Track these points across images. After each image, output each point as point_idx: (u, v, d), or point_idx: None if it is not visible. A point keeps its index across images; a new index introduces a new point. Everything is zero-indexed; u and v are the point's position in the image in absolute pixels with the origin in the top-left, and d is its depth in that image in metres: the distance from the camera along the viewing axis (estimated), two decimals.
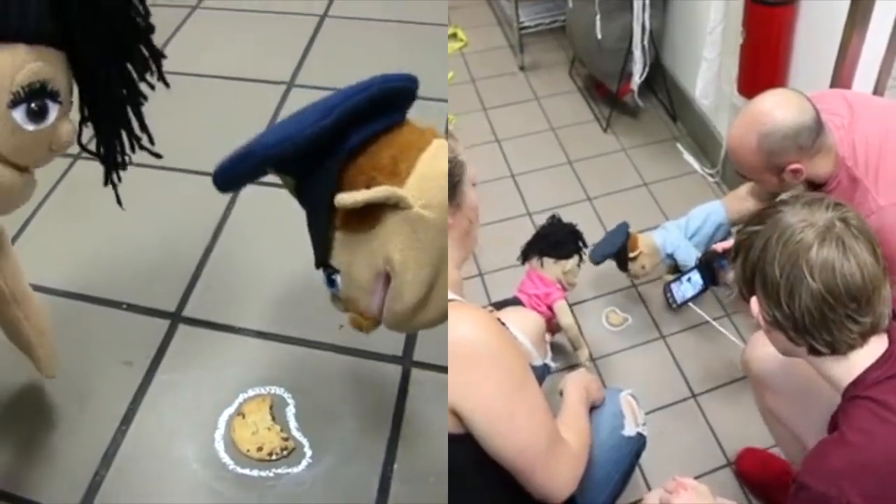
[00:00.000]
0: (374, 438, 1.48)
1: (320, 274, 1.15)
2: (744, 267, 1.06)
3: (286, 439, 1.48)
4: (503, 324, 1.20)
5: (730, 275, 1.49)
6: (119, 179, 1.23)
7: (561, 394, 1.31)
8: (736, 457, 1.69)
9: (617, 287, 2.14)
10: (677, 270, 1.92)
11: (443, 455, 1.08)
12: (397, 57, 2.45)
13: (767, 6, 1.88)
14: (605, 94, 2.84)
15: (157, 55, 1.12)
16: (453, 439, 1.06)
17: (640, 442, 1.37)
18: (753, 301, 1.06)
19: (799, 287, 0.98)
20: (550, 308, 1.78)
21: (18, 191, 1.04)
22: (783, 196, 1.33)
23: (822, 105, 1.45)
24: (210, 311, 1.73)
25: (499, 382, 1.05)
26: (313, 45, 2.62)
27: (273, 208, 1.76)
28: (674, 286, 1.87)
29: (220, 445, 1.47)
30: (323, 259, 1.11)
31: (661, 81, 2.72)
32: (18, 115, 0.94)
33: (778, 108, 1.43)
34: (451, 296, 1.09)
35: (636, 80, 2.60)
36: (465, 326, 1.04)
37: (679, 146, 2.64)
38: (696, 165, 2.54)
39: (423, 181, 1.04)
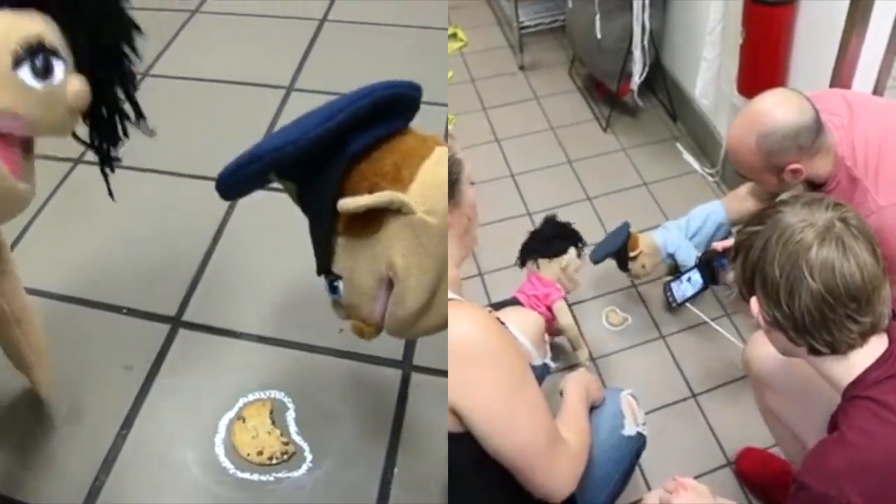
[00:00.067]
0: (374, 443, 1.48)
1: (320, 278, 1.14)
2: (744, 267, 1.06)
3: (286, 443, 1.48)
4: (502, 323, 1.20)
5: (730, 274, 1.49)
6: (112, 170, 1.22)
7: (561, 393, 1.31)
8: (736, 457, 1.70)
9: (617, 287, 2.14)
10: (677, 270, 1.93)
11: (443, 460, 1.08)
12: (397, 61, 2.45)
13: (767, 6, 1.88)
14: (605, 93, 2.84)
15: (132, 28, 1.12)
16: (453, 438, 1.06)
17: (639, 442, 1.37)
18: (753, 301, 1.06)
19: (799, 287, 0.98)
20: (550, 309, 1.78)
21: (20, 197, 1.04)
22: (783, 196, 1.33)
23: (821, 105, 1.45)
24: (210, 316, 1.73)
25: (498, 381, 1.05)
26: (313, 48, 2.62)
27: (273, 213, 1.76)
28: (674, 285, 1.88)
29: (220, 450, 1.47)
30: (325, 265, 1.11)
31: (660, 81, 2.72)
32: (24, 74, 0.94)
33: (778, 108, 1.43)
34: (450, 295, 1.09)
35: (636, 79, 2.60)
36: (465, 325, 1.04)
37: (679, 146, 2.64)
38: (695, 165, 2.54)
39: (426, 188, 1.04)
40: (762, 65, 1.99)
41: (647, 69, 2.59)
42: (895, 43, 1.76)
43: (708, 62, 2.28)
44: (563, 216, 1.90)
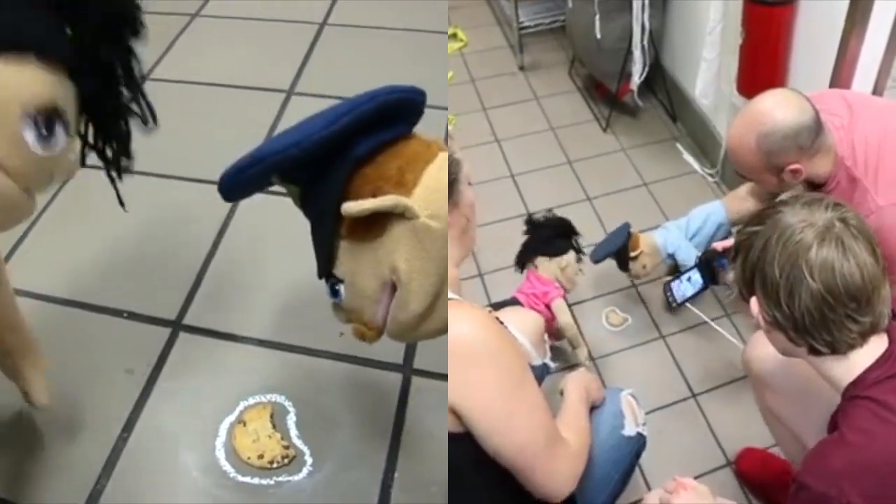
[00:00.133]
0: (375, 446, 1.48)
1: (321, 282, 1.14)
2: (743, 267, 1.06)
3: (287, 447, 1.48)
4: (501, 323, 1.20)
5: (729, 274, 1.49)
6: (121, 178, 1.23)
7: (561, 393, 1.31)
8: (736, 457, 1.70)
9: (617, 287, 2.14)
10: (677, 270, 1.93)
11: (443, 463, 1.08)
12: (397, 64, 2.44)
13: (767, 6, 1.88)
14: (605, 94, 2.84)
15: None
16: (453, 438, 1.06)
17: (639, 442, 1.37)
18: (753, 301, 1.06)
19: (799, 287, 0.98)
20: (549, 307, 1.78)
21: (20, 207, 1.04)
22: (783, 196, 1.33)
23: (821, 105, 1.45)
24: (211, 320, 1.73)
25: (497, 381, 1.05)
26: (313, 52, 2.62)
27: (273, 216, 1.76)
28: (674, 285, 1.88)
29: (220, 453, 1.47)
30: (327, 268, 1.11)
31: (660, 81, 2.72)
32: (28, 135, 0.95)
33: (777, 109, 1.43)
34: (449, 295, 1.09)
35: (636, 80, 2.60)
36: (464, 325, 1.04)
37: (679, 146, 2.64)
38: (695, 165, 2.54)
39: (430, 192, 1.04)
40: (762, 65, 1.99)
41: (646, 69, 2.59)
42: (894, 43, 1.76)
43: (708, 62, 2.28)
44: (563, 217, 1.89)
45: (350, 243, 1.07)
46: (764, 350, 1.25)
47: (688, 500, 1.14)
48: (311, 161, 1.04)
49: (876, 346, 1.02)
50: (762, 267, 1.02)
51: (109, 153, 1.18)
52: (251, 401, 1.56)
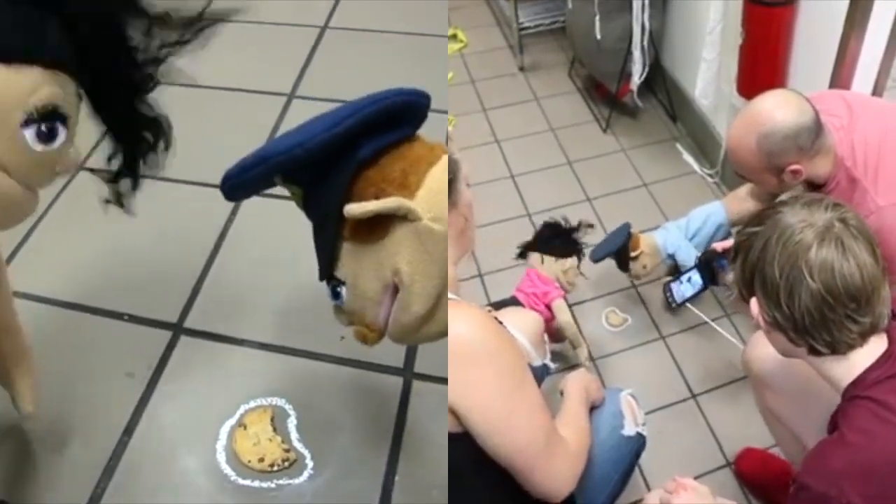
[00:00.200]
0: (376, 450, 1.47)
1: (322, 285, 1.14)
2: (743, 268, 1.06)
3: (287, 450, 1.47)
4: (501, 323, 1.20)
5: (729, 275, 1.49)
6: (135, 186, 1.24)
7: (561, 394, 1.32)
8: (735, 457, 1.70)
9: (617, 288, 2.14)
10: (677, 271, 1.93)
11: (444, 467, 1.08)
12: (398, 68, 2.43)
13: (766, 6, 1.88)
14: (605, 94, 2.84)
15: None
16: (452, 438, 1.06)
17: (639, 442, 1.37)
18: (753, 302, 1.06)
19: (798, 287, 0.98)
20: (549, 307, 1.78)
21: (23, 204, 1.04)
22: (782, 197, 1.33)
23: (820, 106, 1.45)
24: (211, 323, 1.73)
25: (496, 381, 1.05)
26: (314, 56, 2.61)
27: (275, 220, 1.76)
28: (673, 286, 1.88)
29: (221, 456, 1.47)
30: (328, 270, 1.11)
31: (660, 82, 2.73)
32: (29, 135, 0.95)
33: (777, 109, 1.43)
34: (448, 294, 1.09)
35: (635, 80, 2.60)
36: (462, 325, 1.04)
37: (678, 146, 2.64)
38: (695, 166, 2.55)
39: (433, 195, 1.04)
40: (762, 65, 1.99)
41: (646, 70, 2.59)
42: (894, 44, 1.76)
43: (707, 63, 2.28)
44: (563, 217, 1.90)
45: (352, 245, 1.07)
46: (764, 350, 1.25)
47: (688, 501, 1.14)
48: (314, 162, 1.04)
49: (876, 347, 1.02)
50: (762, 267, 1.02)
51: (122, 160, 1.18)
52: (252, 404, 1.55)
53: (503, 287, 2.00)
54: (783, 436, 1.41)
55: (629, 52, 2.53)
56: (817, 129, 1.42)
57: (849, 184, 1.44)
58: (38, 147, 0.96)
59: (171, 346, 1.67)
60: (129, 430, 1.51)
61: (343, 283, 1.10)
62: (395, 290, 1.08)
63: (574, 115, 2.87)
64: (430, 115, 1.16)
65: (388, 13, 2.79)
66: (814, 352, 1.03)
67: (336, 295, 1.12)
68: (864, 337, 1.01)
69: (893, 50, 1.77)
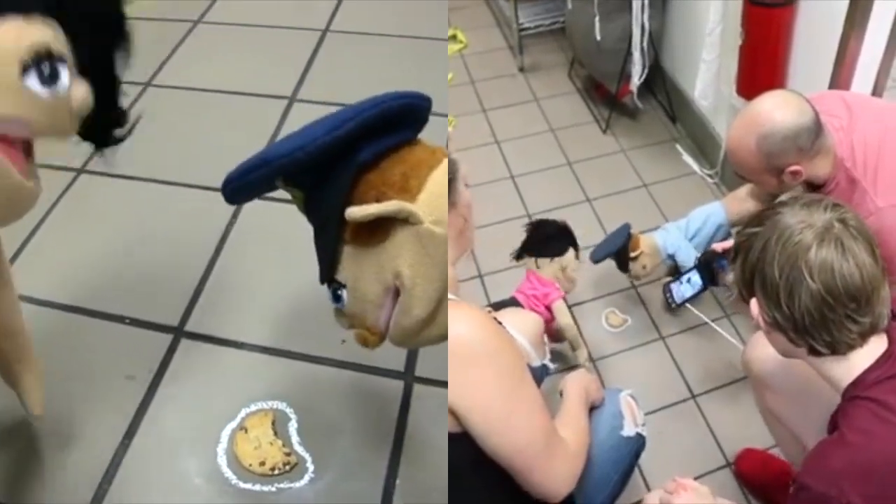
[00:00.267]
0: (377, 454, 1.47)
1: (323, 289, 1.14)
2: (743, 268, 1.06)
3: (288, 454, 1.47)
4: (500, 324, 1.20)
5: (729, 275, 1.49)
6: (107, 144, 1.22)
7: (561, 394, 1.32)
8: (735, 457, 1.70)
9: (616, 288, 2.14)
10: (677, 271, 1.93)
11: (445, 470, 1.08)
12: (399, 71, 2.43)
13: (766, 7, 1.88)
14: (605, 95, 2.84)
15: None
16: (451, 438, 1.06)
17: (639, 442, 1.37)
18: (753, 303, 1.06)
19: (798, 288, 0.98)
20: (549, 308, 1.78)
21: (23, 193, 1.04)
22: (782, 197, 1.33)
23: (820, 106, 1.45)
24: (212, 326, 1.73)
25: (496, 381, 1.05)
26: (315, 59, 2.62)
27: (275, 223, 1.76)
28: (673, 286, 1.88)
29: (222, 460, 1.47)
30: (329, 274, 1.11)
31: (660, 83, 2.73)
32: (32, 82, 0.95)
33: (777, 110, 1.43)
34: (448, 295, 1.10)
35: (635, 81, 2.61)
36: (462, 325, 1.04)
37: (678, 147, 2.64)
38: (695, 167, 2.55)
39: (434, 198, 1.04)
40: (761, 66, 1.99)
41: (646, 71, 2.59)
42: (894, 44, 1.76)
43: (707, 63, 2.28)
44: (562, 217, 1.89)
45: (353, 248, 1.07)
46: (764, 351, 1.25)
47: (688, 501, 1.14)
48: (315, 165, 1.05)
49: (876, 347, 1.02)
50: (762, 268, 1.02)
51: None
52: (253, 407, 1.55)
53: (503, 288, 2.00)
54: (783, 436, 1.41)
55: (629, 53, 2.53)
56: (817, 129, 1.42)
57: (848, 184, 1.44)
58: (46, 92, 0.96)
59: (172, 350, 1.68)
60: (129, 434, 1.51)
61: (344, 287, 1.10)
62: (396, 293, 1.08)
63: (574, 116, 2.87)
64: (430, 118, 1.16)
65: (389, 16, 2.79)
66: (814, 352, 1.03)
67: (337, 298, 1.12)
68: (863, 337, 1.01)
69: (893, 50, 1.78)
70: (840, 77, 1.78)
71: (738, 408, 1.77)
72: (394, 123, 1.08)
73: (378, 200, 1.03)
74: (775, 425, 1.41)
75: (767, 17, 1.90)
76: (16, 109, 0.95)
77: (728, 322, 2.02)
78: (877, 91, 1.84)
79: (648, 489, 1.62)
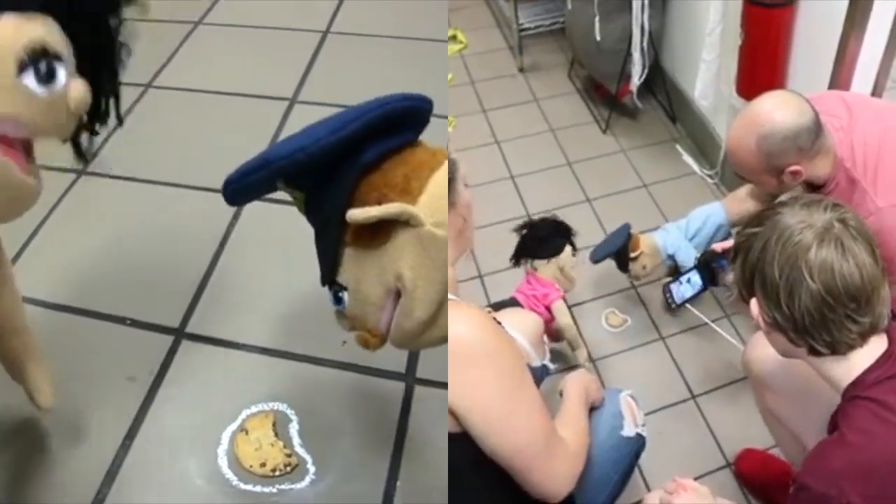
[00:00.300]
0: (378, 455, 1.47)
1: (323, 290, 1.14)
2: (743, 268, 1.06)
3: (289, 455, 1.47)
4: (500, 324, 1.20)
5: (729, 275, 1.49)
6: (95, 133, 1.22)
7: (560, 394, 1.32)
8: (735, 458, 1.70)
9: (616, 288, 2.14)
10: (677, 272, 1.93)
11: (446, 471, 1.07)
12: (399, 73, 2.44)
13: (766, 7, 1.88)
14: (605, 95, 2.84)
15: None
16: (451, 438, 1.06)
17: (639, 442, 1.37)
18: (753, 303, 1.06)
19: (798, 288, 0.98)
20: (549, 309, 1.78)
21: (24, 190, 1.04)
22: (782, 198, 1.33)
23: (820, 107, 1.45)
24: (213, 327, 1.73)
25: (496, 381, 1.05)
26: (316, 61, 2.62)
27: (276, 224, 1.76)
28: (673, 286, 1.88)
29: (223, 461, 1.47)
30: (330, 276, 1.11)
31: (660, 83, 2.73)
32: (29, 81, 0.95)
33: (777, 110, 1.43)
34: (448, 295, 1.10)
35: (635, 81, 2.61)
36: (461, 325, 1.04)
37: (678, 147, 2.64)
38: (695, 167, 2.55)
39: (435, 200, 1.04)
40: (761, 66, 1.99)
41: (646, 71, 2.60)
42: (893, 44, 1.76)
43: (707, 64, 2.28)
44: (562, 218, 1.90)
45: (354, 250, 1.07)
46: (764, 351, 1.25)
47: (688, 501, 1.14)
48: (316, 167, 1.05)
49: (876, 347, 1.02)
50: (762, 268, 1.02)
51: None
52: (254, 409, 1.55)
53: (503, 288, 2.00)
54: (783, 436, 1.41)
55: (629, 53, 2.53)
56: (817, 129, 1.42)
57: (848, 185, 1.44)
58: (42, 91, 0.96)
59: (172, 351, 1.68)
60: (130, 435, 1.51)
61: (345, 289, 1.10)
62: (398, 295, 1.08)
63: (574, 116, 2.87)
64: (430, 119, 1.16)
65: (390, 18, 2.80)
66: (814, 352, 1.03)
67: (338, 300, 1.12)
68: (863, 337, 1.01)
69: (893, 50, 1.78)
70: (840, 77, 1.78)
71: (738, 408, 1.77)
72: (395, 125, 1.08)
73: (379, 202, 1.03)
74: (775, 425, 1.41)
75: (767, 17, 1.90)
76: (12, 108, 0.95)
77: (728, 322, 2.02)
78: (877, 91, 1.84)
79: (648, 489, 1.62)
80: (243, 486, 1.43)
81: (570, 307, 1.89)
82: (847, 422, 1.00)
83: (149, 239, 1.94)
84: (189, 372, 1.64)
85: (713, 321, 1.99)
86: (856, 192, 1.42)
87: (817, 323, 0.99)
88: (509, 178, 2.59)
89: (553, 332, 1.81)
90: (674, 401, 1.85)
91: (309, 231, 1.15)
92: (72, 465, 1.47)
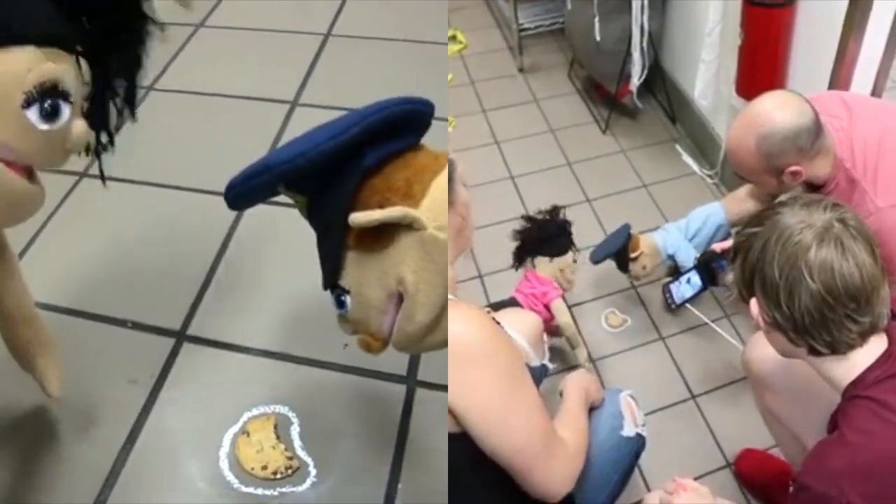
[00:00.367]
0: (379, 458, 1.47)
1: (325, 292, 1.14)
2: (743, 268, 1.06)
3: (291, 458, 1.47)
4: (499, 324, 1.20)
5: (728, 275, 1.49)
6: (105, 149, 1.23)
7: (560, 394, 1.32)
8: (735, 458, 1.70)
9: (616, 288, 2.14)
10: (677, 272, 1.93)
11: (447, 474, 1.07)
12: (400, 76, 2.44)
13: (765, 7, 1.88)
14: (604, 95, 2.84)
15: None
16: (451, 438, 1.06)
17: (639, 443, 1.37)
18: (753, 303, 1.06)
19: (798, 288, 0.98)
20: (548, 308, 1.78)
21: (28, 198, 1.04)
22: (782, 198, 1.33)
23: (820, 107, 1.45)
24: (214, 330, 1.73)
25: (495, 381, 1.05)
26: (317, 63, 2.62)
27: (277, 227, 1.77)
28: (673, 287, 1.88)
29: (224, 464, 1.47)
30: (333, 279, 1.11)
31: (659, 83, 2.73)
32: (32, 115, 0.95)
33: (777, 110, 1.43)
34: None
35: (635, 81, 2.61)
36: (460, 325, 1.04)
37: (678, 147, 2.64)
38: (694, 167, 2.55)
39: (437, 204, 1.04)
40: (761, 66, 1.99)
41: (646, 71, 2.60)
42: (893, 44, 1.76)
43: (707, 64, 2.28)
44: (562, 218, 1.90)
45: (357, 254, 1.07)
46: (763, 351, 1.25)
47: (688, 501, 1.14)
48: (318, 171, 1.05)
49: (876, 346, 1.02)
50: (761, 268, 1.02)
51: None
52: (255, 411, 1.55)
53: (503, 288, 2.00)
54: (783, 436, 1.41)
55: (628, 54, 2.54)
56: (817, 130, 1.42)
57: (848, 185, 1.44)
58: (44, 126, 0.97)
59: (174, 354, 1.68)
60: (132, 438, 1.51)
61: (347, 292, 1.10)
62: (400, 299, 1.08)
63: (573, 117, 2.87)
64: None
65: (390, 20, 2.80)
66: (814, 352, 1.03)
67: (340, 304, 1.12)
68: (863, 337, 1.01)
69: (892, 51, 1.78)
70: (839, 77, 1.78)
71: (738, 408, 1.77)
72: (398, 129, 1.08)
73: (382, 206, 1.03)
74: (775, 425, 1.41)
75: (767, 18, 1.90)
76: (9, 137, 0.95)
77: (728, 322, 2.02)
78: (876, 91, 1.84)
79: (648, 489, 1.62)
80: (244, 489, 1.43)
81: (570, 307, 1.89)
82: (847, 421, 1.00)
83: (150, 241, 1.94)
84: (190, 374, 1.64)
85: (713, 321, 1.99)
86: (856, 192, 1.42)
87: (817, 323, 0.99)
88: (509, 178, 2.59)
89: (552, 330, 1.81)
90: (674, 401, 1.85)
91: (310, 233, 1.15)
92: (73, 468, 1.47)
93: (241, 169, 1.11)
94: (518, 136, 2.79)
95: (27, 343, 1.39)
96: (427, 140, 1.15)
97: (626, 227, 1.93)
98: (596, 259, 1.93)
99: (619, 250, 1.90)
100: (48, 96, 0.96)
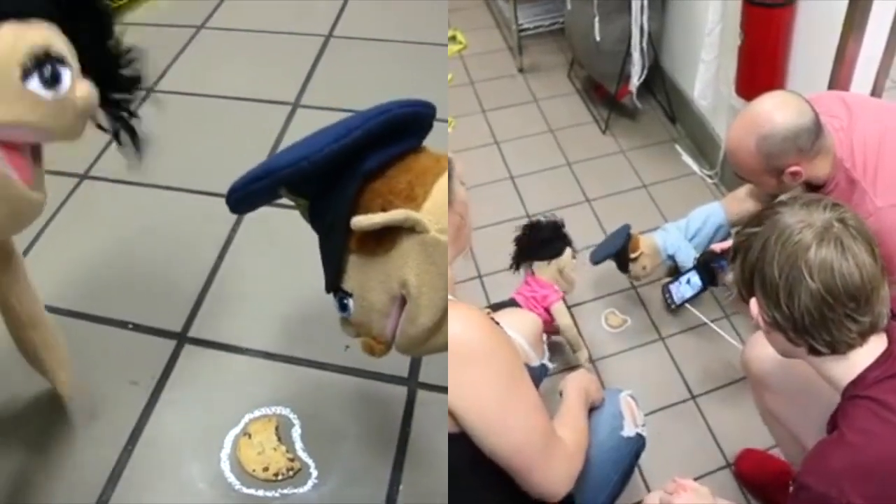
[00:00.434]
0: (380, 460, 1.47)
1: (326, 295, 1.14)
2: (743, 268, 1.06)
3: (292, 460, 1.47)
4: (498, 324, 1.20)
5: (728, 275, 1.49)
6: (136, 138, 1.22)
7: (560, 394, 1.32)
8: (735, 458, 1.70)
9: (616, 289, 2.14)
10: (677, 272, 1.93)
11: (447, 476, 1.08)
12: (400, 77, 2.44)
13: (765, 8, 1.88)
14: (604, 95, 2.84)
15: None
16: (450, 438, 1.06)
17: (639, 443, 1.37)
18: (753, 302, 1.06)
19: (798, 287, 0.98)
20: (548, 311, 1.78)
21: (26, 205, 1.04)
22: (782, 197, 1.33)
23: (820, 107, 1.45)
24: (216, 332, 1.73)
25: (494, 381, 1.05)
26: (318, 65, 2.62)
27: (278, 229, 1.76)
28: (672, 287, 1.88)
29: (225, 465, 1.47)
30: (335, 283, 1.11)
31: (659, 83, 2.73)
32: (35, 85, 0.95)
33: (777, 111, 1.43)
34: None
35: (635, 81, 2.61)
36: (459, 325, 1.04)
37: (678, 148, 2.64)
38: (694, 167, 2.55)
39: (439, 206, 1.04)
40: (760, 66, 1.99)
41: (645, 71, 2.60)
42: (893, 44, 1.76)
43: (706, 64, 2.28)
44: (562, 218, 1.89)
45: (359, 257, 1.07)
46: (763, 351, 1.25)
47: (688, 501, 1.14)
48: (320, 174, 1.05)
49: (875, 346, 1.02)
50: (761, 267, 1.02)
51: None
52: (256, 413, 1.55)
53: (503, 288, 2.00)
54: (783, 436, 1.41)
55: (628, 54, 2.54)
56: (817, 130, 1.42)
57: (848, 185, 1.44)
58: (49, 94, 0.96)
59: (175, 355, 1.68)
60: (133, 439, 1.51)
61: (350, 296, 1.10)
62: (402, 301, 1.08)
63: (573, 117, 2.87)
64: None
65: (391, 22, 2.80)
66: (813, 352, 1.03)
67: (343, 307, 1.12)
68: (863, 336, 1.01)
69: (892, 51, 1.78)
70: (839, 77, 1.78)
71: (738, 408, 1.77)
72: (399, 132, 1.08)
73: (384, 209, 1.03)
74: (775, 425, 1.41)
75: (767, 18, 1.90)
76: (19, 116, 0.95)
77: (728, 322, 2.02)
78: (876, 91, 1.84)
79: (648, 489, 1.62)
80: (246, 491, 1.43)
81: (569, 307, 1.89)
82: (847, 421, 1.00)
83: (151, 243, 1.94)
84: (192, 376, 1.64)
85: (713, 321, 2.00)
86: (855, 192, 1.42)
87: (817, 322, 0.99)
88: (509, 178, 2.59)
89: (552, 330, 1.81)
90: (673, 401, 1.86)
91: (312, 235, 1.15)
92: (74, 469, 1.47)
93: (243, 171, 1.11)
94: (518, 137, 2.79)
95: (35, 346, 1.40)
96: (427, 141, 1.15)
97: (626, 228, 1.93)
98: (596, 259, 1.93)
99: (619, 251, 1.90)
100: (45, 63, 0.95)
